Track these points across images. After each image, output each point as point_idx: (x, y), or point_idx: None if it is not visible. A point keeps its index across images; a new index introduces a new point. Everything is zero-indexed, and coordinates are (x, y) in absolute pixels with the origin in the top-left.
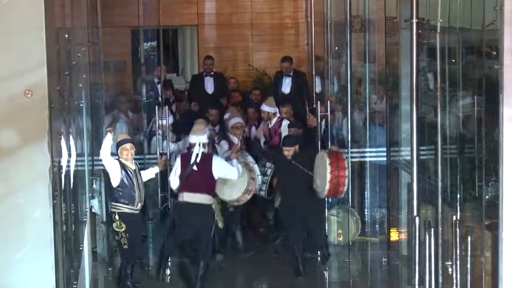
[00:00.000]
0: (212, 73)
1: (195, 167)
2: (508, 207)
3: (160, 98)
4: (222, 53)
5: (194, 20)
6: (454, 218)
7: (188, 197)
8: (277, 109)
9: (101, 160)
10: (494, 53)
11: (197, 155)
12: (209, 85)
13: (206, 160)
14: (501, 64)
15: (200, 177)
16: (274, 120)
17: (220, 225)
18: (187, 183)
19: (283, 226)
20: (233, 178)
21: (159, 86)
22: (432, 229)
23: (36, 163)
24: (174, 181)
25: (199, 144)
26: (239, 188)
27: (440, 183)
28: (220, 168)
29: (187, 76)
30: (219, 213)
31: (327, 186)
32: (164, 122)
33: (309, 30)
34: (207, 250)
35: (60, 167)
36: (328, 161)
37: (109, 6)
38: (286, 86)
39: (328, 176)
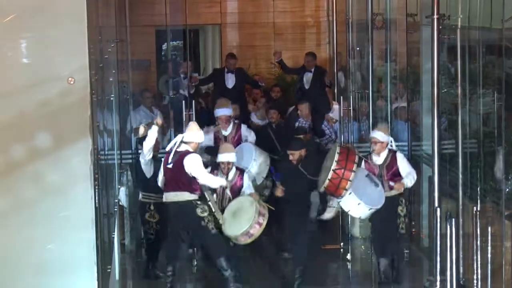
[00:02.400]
0: (234, 70)
1: (170, 165)
2: None
3: (186, 94)
4: (244, 52)
5: (218, 19)
6: (475, 209)
7: (168, 196)
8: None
9: (128, 154)
10: None
11: (175, 152)
12: (230, 81)
13: (181, 157)
14: None
15: (175, 175)
16: (230, 126)
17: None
18: (166, 182)
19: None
20: (200, 180)
21: (185, 82)
22: (453, 219)
23: (78, 147)
24: (160, 180)
25: (178, 142)
26: (240, 226)
27: (460, 176)
28: (191, 165)
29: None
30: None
31: (326, 183)
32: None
33: (330, 28)
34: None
35: (99, 152)
36: (336, 157)
37: (134, 5)
38: (307, 81)
39: (330, 174)
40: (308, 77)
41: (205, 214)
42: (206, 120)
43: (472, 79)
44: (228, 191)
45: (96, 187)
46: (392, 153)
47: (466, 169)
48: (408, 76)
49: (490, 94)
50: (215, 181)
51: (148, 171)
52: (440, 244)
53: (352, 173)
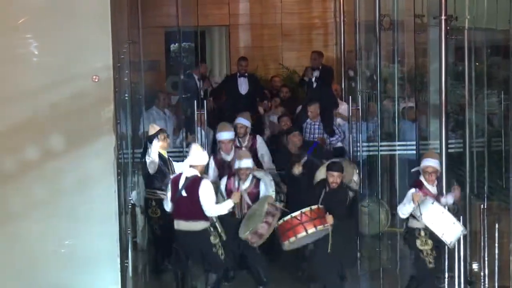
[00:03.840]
0: (246, 74)
1: (184, 193)
2: None
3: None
4: (253, 53)
5: (226, 20)
6: (482, 206)
7: (181, 225)
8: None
9: (139, 153)
10: None
11: (185, 178)
12: (243, 86)
13: (194, 184)
14: None
15: (189, 203)
16: (246, 138)
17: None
18: (178, 209)
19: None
20: (208, 213)
21: (199, 83)
22: (461, 217)
23: (102, 143)
24: (167, 205)
25: (189, 166)
26: (247, 226)
27: (468, 174)
28: (204, 195)
29: (215, 77)
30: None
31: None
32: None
33: (337, 30)
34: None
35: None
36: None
37: (144, 6)
38: (313, 80)
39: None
40: (314, 75)
41: (217, 241)
42: (217, 120)
43: (477, 80)
44: (246, 198)
45: (119, 182)
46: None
47: (473, 167)
48: (415, 76)
49: (495, 94)
50: (223, 209)
51: (152, 168)
52: None
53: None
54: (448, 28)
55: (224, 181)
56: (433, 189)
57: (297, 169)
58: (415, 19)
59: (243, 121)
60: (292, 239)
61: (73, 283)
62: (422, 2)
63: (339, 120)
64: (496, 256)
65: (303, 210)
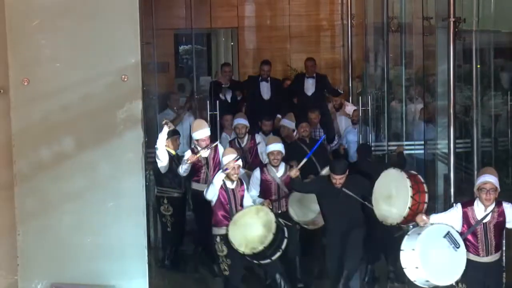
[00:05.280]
0: (269, 78)
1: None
2: None
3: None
4: (261, 55)
5: (235, 22)
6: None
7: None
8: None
9: (152, 153)
10: None
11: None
12: (265, 90)
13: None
14: None
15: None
16: (246, 138)
17: None
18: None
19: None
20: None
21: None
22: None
23: (132, 139)
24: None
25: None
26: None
27: (475, 173)
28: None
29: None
30: None
31: (406, 212)
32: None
33: (344, 32)
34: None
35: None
36: (409, 183)
37: (155, 8)
38: (309, 88)
39: (410, 201)
40: (309, 83)
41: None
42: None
43: (483, 82)
44: (283, 187)
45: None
46: (497, 202)
47: (480, 166)
48: (424, 77)
49: (500, 96)
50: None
51: (163, 167)
52: None
53: (426, 195)
54: (456, 30)
55: (257, 173)
56: (480, 213)
57: (294, 173)
58: (423, 21)
59: (243, 121)
60: (425, 207)
61: (103, 274)
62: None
63: (343, 120)
64: (504, 253)
65: (408, 184)
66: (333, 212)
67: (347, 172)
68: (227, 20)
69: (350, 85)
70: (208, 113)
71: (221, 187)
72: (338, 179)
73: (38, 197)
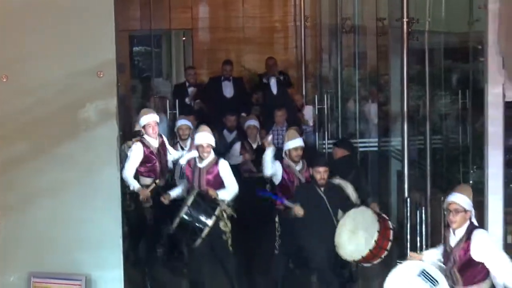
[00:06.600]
0: (231, 78)
1: None
2: (492, 187)
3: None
4: (215, 56)
5: (189, 24)
6: (442, 198)
7: None
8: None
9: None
10: (480, 47)
11: None
12: (228, 89)
13: None
14: (485, 57)
15: None
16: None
17: None
18: None
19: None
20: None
21: (189, 90)
22: (422, 208)
23: (107, 132)
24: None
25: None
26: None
27: (428, 168)
28: None
29: (172, 81)
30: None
31: (365, 253)
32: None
33: (297, 33)
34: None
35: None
36: (377, 227)
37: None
38: (273, 86)
39: (373, 244)
40: (273, 82)
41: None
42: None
43: (434, 81)
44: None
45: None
46: (471, 229)
47: (432, 162)
48: (378, 77)
49: (449, 96)
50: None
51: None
52: (410, 231)
53: (390, 243)
54: (409, 30)
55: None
56: (452, 238)
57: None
58: (377, 22)
59: (186, 122)
60: (384, 254)
61: (80, 264)
62: (377, 5)
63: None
64: None
65: (376, 228)
66: (313, 218)
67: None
68: (182, 21)
69: (304, 86)
70: (168, 112)
71: (189, 163)
72: (322, 172)
73: (15, 190)
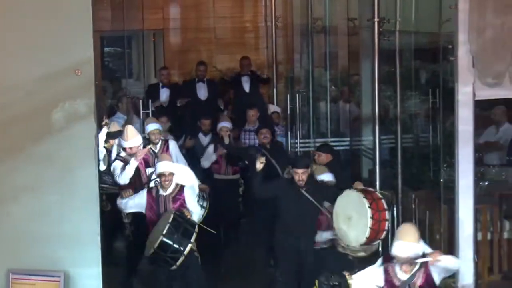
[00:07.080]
0: (205, 79)
1: None
2: (462, 185)
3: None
4: (187, 56)
5: (160, 24)
6: (413, 196)
7: None
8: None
9: None
10: (450, 46)
11: None
12: (202, 91)
13: None
14: (455, 56)
15: None
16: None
17: None
18: None
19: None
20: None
21: (163, 90)
22: (394, 206)
23: (84, 130)
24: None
25: None
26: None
27: (400, 166)
28: None
29: (144, 81)
30: None
31: (367, 233)
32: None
33: (268, 33)
34: None
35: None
36: (367, 204)
37: None
38: (245, 85)
39: (370, 221)
40: (245, 80)
41: None
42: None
43: (404, 81)
44: None
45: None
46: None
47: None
48: (349, 77)
49: (419, 95)
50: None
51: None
52: None
53: (387, 212)
54: (380, 30)
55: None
56: (404, 276)
57: (260, 162)
58: (348, 22)
59: (157, 126)
60: (387, 225)
61: (58, 261)
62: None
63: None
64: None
65: (366, 204)
66: (290, 214)
67: (309, 170)
68: (153, 22)
69: (275, 86)
70: (141, 112)
71: (150, 192)
72: (300, 173)
73: None
